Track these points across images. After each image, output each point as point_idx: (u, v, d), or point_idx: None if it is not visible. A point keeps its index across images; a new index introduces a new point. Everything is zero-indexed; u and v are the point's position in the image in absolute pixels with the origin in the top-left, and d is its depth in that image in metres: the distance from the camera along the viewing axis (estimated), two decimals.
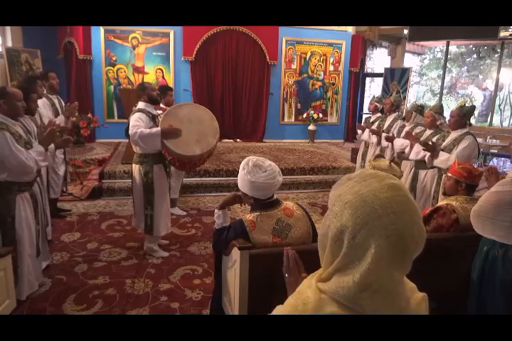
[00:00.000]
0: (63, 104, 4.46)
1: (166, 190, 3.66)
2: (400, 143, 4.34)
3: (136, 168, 3.47)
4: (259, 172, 1.88)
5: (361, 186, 0.77)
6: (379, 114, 5.36)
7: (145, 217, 3.48)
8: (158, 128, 3.27)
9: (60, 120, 4.07)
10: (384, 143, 4.84)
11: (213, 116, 3.59)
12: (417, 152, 3.80)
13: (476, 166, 2.56)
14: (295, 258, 1.14)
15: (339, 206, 0.77)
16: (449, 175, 2.53)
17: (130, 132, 3.28)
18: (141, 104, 3.47)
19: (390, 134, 4.79)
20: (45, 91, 4.02)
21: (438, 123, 3.93)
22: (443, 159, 3.48)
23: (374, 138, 5.06)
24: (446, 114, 3.93)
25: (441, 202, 2.51)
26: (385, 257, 0.72)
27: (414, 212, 0.76)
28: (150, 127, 3.35)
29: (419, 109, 4.47)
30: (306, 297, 0.81)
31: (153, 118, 3.46)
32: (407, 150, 4.06)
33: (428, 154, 3.65)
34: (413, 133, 4.10)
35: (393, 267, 0.74)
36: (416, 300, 0.82)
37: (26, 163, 2.57)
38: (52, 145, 2.97)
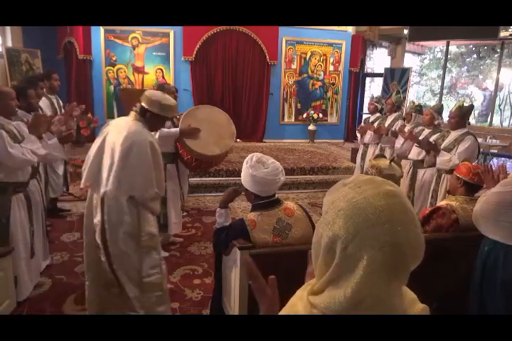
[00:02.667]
0: (61, 103, 4.47)
1: (178, 188, 3.70)
2: (400, 143, 4.33)
3: None
4: (261, 167, 1.91)
5: (355, 193, 0.73)
6: (378, 114, 5.36)
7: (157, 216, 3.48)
8: (177, 129, 3.32)
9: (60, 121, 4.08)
10: (384, 142, 4.86)
11: (230, 120, 3.66)
12: (418, 152, 3.80)
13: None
14: (251, 267, 1.05)
15: (332, 214, 0.74)
16: (454, 173, 2.55)
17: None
18: None
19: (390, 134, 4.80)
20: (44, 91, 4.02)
21: (436, 122, 3.93)
22: (444, 159, 3.46)
23: (376, 139, 5.08)
24: (446, 114, 3.94)
25: (442, 202, 2.51)
26: (378, 270, 0.69)
27: (411, 221, 0.72)
28: (168, 127, 3.38)
29: (418, 109, 4.47)
30: (296, 311, 0.78)
31: (171, 119, 3.48)
32: (407, 150, 4.08)
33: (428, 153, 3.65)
34: (413, 133, 4.11)
35: (388, 279, 0.70)
36: (415, 313, 0.78)
37: (23, 158, 2.53)
38: (56, 140, 2.97)
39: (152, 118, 2.41)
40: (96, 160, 2.35)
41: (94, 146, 2.37)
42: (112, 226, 2.35)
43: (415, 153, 3.85)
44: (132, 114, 2.43)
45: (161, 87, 3.59)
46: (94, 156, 2.35)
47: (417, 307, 0.80)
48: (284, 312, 0.83)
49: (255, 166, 1.91)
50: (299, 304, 0.79)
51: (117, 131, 2.33)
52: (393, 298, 0.72)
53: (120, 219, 2.36)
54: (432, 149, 3.55)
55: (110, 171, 2.27)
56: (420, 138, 3.98)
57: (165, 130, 3.29)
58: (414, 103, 4.66)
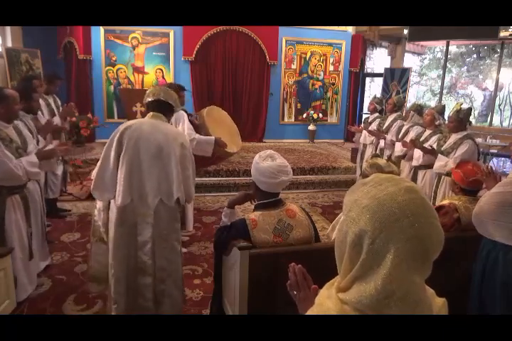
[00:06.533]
0: (59, 103, 4.47)
1: None
2: (399, 148, 4.34)
3: None
4: (268, 160, 1.92)
5: (377, 190, 0.76)
6: (377, 114, 5.37)
7: None
8: (212, 138, 3.46)
9: (56, 121, 4.07)
10: (382, 144, 4.87)
11: (231, 120, 3.94)
12: (418, 158, 3.79)
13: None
14: (303, 273, 1.10)
15: (356, 211, 0.76)
16: (452, 178, 2.56)
17: (189, 136, 3.29)
18: None
19: (390, 134, 4.80)
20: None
21: (437, 123, 3.94)
22: (441, 164, 3.47)
23: (372, 139, 5.08)
24: (446, 114, 3.94)
25: (444, 201, 2.51)
26: (405, 261, 0.71)
27: (432, 214, 0.75)
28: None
29: (418, 108, 4.49)
30: (327, 309, 0.79)
31: (189, 116, 3.58)
32: (406, 157, 4.09)
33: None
34: (412, 135, 4.14)
35: (414, 271, 0.73)
36: (438, 306, 0.81)
37: (14, 170, 2.47)
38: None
39: (172, 113, 2.48)
40: (134, 172, 2.24)
41: (124, 158, 2.23)
42: (164, 237, 2.32)
43: (415, 159, 3.85)
44: (153, 114, 2.36)
45: (178, 86, 3.63)
46: (130, 168, 2.22)
47: (438, 300, 0.84)
48: (313, 312, 0.83)
49: (263, 157, 1.94)
50: (328, 302, 0.80)
51: (156, 134, 2.27)
52: (419, 290, 0.75)
53: (173, 226, 2.35)
54: (431, 153, 3.57)
55: (170, 177, 2.26)
56: (421, 139, 3.99)
57: (202, 137, 3.42)
58: (416, 102, 4.70)
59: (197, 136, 3.43)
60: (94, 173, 2.30)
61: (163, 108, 2.40)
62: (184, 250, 3.62)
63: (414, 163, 3.87)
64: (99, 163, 2.28)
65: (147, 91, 2.43)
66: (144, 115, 2.43)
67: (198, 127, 3.55)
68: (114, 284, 2.33)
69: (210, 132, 3.54)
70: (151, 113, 2.37)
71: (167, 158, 2.26)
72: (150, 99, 2.40)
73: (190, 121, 3.56)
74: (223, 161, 4.21)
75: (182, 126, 3.41)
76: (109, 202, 2.34)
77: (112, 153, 2.25)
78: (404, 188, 0.76)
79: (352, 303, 0.75)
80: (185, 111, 3.56)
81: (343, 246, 0.79)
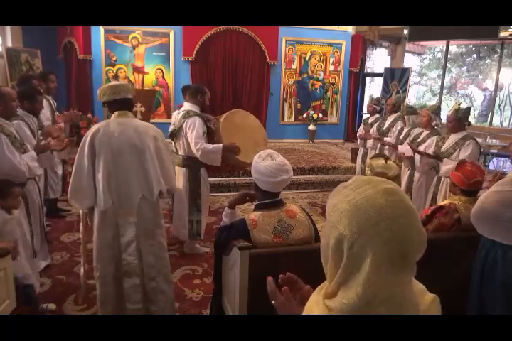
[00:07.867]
0: (55, 104, 4.53)
1: (208, 193, 3.69)
2: (402, 150, 4.33)
3: (181, 172, 3.41)
4: (267, 159, 1.91)
5: (356, 194, 0.76)
6: (377, 115, 5.36)
7: (190, 222, 3.45)
8: (220, 145, 3.25)
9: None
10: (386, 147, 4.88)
11: (261, 125, 3.74)
12: (423, 166, 3.77)
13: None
14: (293, 278, 1.08)
15: (336, 216, 0.76)
16: (451, 181, 2.54)
17: (194, 146, 3.24)
18: (190, 106, 3.42)
19: (391, 135, 4.80)
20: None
21: (433, 123, 3.93)
22: (449, 168, 3.41)
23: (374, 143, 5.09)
24: (444, 114, 3.94)
25: (444, 201, 2.50)
26: (384, 264, 0.71)
27: (412, 216, 0.74)
28: (203, 132, 3.31)
29: (410, 110, 4.49)
30: None
31: (206, 122, 3.44)
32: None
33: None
34: (411, 135, 4.16)
35: (395, 273, 0.72)
36: (426, 304, 0.80)
37: (18, 167, 2.49)
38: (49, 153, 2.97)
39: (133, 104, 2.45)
40: (118, 174, 2.25)
41: (101, 163, 2.22)
42: (150, 233, 2.32)
43: (421, 167, 3.83)
44: (119, 113, 2.34)
45: (201, 89, 3.58)
46: (107, 170, 2.22)
47: (427, 297, 0.82)
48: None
49: (263, 157, 1.92)
50: (315, 309, 0.80)
51: (126, 132, 2.26)
52: (404, 290, 0.74)
53: (157, 222, 2.34)
54: (435, 159, 3.56)
55: (149, 173, 2.26)
56: (418, 140, 4.00)
57: (208, 146, 3.24)
58: (405, 106, 4.70)
59: (202, 146, 3.22)
60: (70, 183, 2.31)
61: (128, 105, 2.39)
62: (206, 249, 3.62)
63: (419, 169, 3.85)
64: (73, 173, 2.28)
65: (102, 91, 2.35)
66: (110, 114, 2.41)
67: (214, 133, 3.36)
68: (100, 286, 2.34)
69: (222, 139, 3.29)
70: (117, 112, 2.35)
71: (142, 154, 2.28)
72: (110, 99, 2.33)
73: (207, 127, 3.35)
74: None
75: (191, 133, 3.26)
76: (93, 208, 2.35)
77: (86, 161, 2.25)
78: (382, 191, 0.75)
79: (336, 310, 0.75)
80: (205, 117, 3.36)
81: (327, 251, 0.78)
